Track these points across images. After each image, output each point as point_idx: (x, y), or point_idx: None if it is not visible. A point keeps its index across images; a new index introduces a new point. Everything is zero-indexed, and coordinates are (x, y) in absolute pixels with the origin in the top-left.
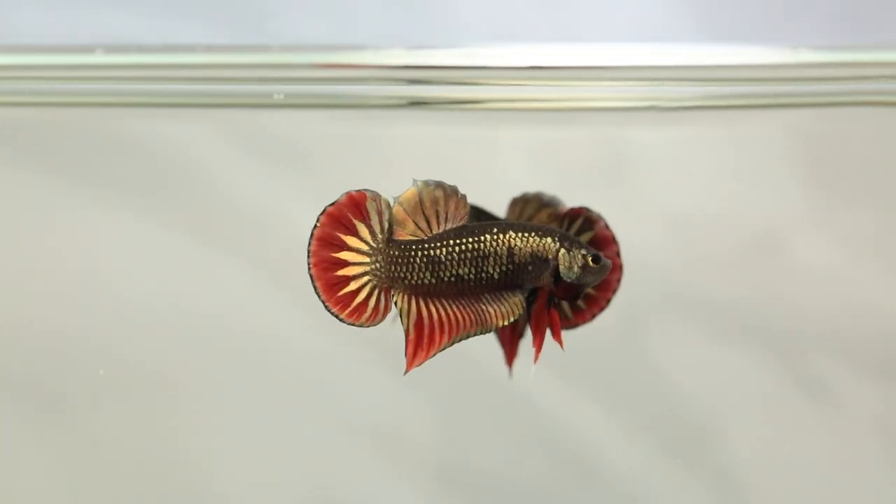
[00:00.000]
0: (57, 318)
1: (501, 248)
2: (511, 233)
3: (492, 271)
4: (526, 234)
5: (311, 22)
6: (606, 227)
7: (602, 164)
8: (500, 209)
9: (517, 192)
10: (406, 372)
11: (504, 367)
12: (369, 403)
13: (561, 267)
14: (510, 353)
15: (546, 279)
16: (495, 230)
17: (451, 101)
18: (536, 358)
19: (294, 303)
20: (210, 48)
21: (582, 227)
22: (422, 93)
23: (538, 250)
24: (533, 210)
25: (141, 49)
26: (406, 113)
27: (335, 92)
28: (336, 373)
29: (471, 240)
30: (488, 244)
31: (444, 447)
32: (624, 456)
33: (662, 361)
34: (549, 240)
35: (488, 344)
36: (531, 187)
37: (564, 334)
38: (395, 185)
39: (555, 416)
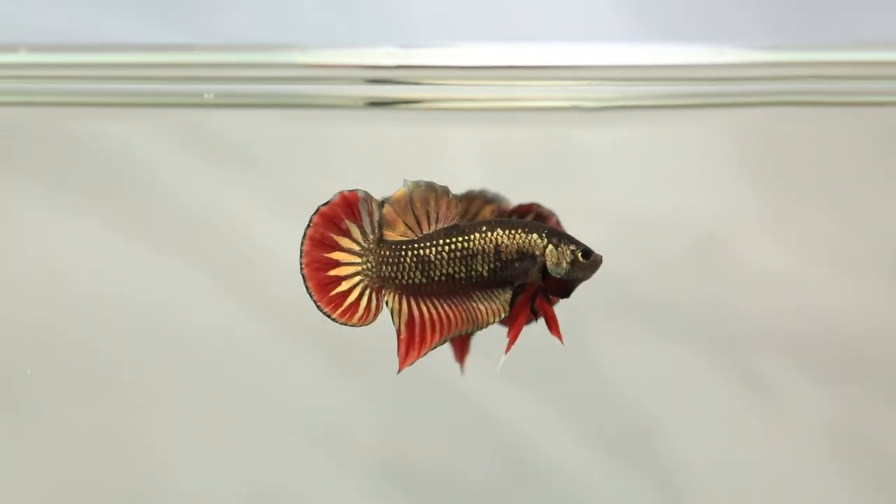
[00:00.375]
0: None
1: (489, 246)
2: (499, 230)
3: (481, 269)
4: (513, 232)
5: (257, 22)
6: (558, 223)
7: (549, 163)
8: None
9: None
10: (399, 371)
11: (449, 365)
12: (314, 402)
13: (549, 263)
14: (461, 349)
15: (534, 275)
16: (483, 228)
17: (400, 101)
18: (508, 349)
19: (238, 303)
20: (160, 47)
21: None
22: (373, 92)
23: (525, 247)
24: (477, 207)
25: (71, 48)
26: (359, 113)
27: (289, 92)
28: (280, 372)
29: (460, 239)
30: (477, 243)
31: (388, 445)
32: (568, 455)
33: (608, 361)
34: (535, 236)
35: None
36: (480, 186)
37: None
38: (348, 185)
39: (499, 415)
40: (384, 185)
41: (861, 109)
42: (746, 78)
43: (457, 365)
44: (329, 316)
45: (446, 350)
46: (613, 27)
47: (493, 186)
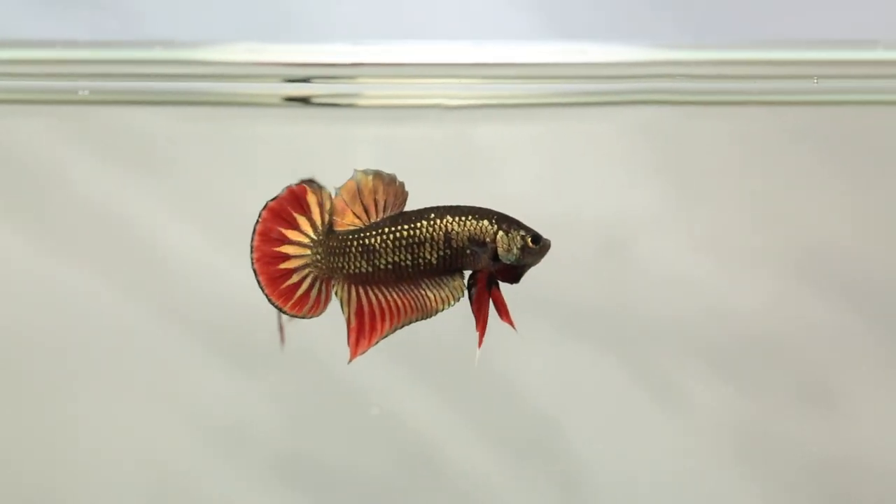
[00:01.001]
0: None
1: (438, 234)
2: (448, 217)
3: (429, 257)
4: (463, 218)
5: (166, 18)
6: None
7: (451, 162)
8: None
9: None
10: (350, 361)
11: (351, 364)
12: (213, 401)
13: (500, 249)
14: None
15: (485, 262)
16: (432, 216)
17: (305, 99)
18: (480, 342)
19: (138, 301)
20: (66, 43)
21: None
22: (281, 90)
23: (476, 233)
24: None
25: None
26: (265, 111)
27: (191, 89)
28: (180, 371)
29: (406, 227)
30: (425, 230)
31: (286, 442)
32: (468, 456)
33: (511, 362)
34: (486, 222)
35: (333, 337)
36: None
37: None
38: (252, 182)
39: (399, 414)
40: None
41: (769, 108)
42: (653, 76)
43: (359, 363)
44: (280, 309)
45: (341, 347)
46: (516, 25)
47: None
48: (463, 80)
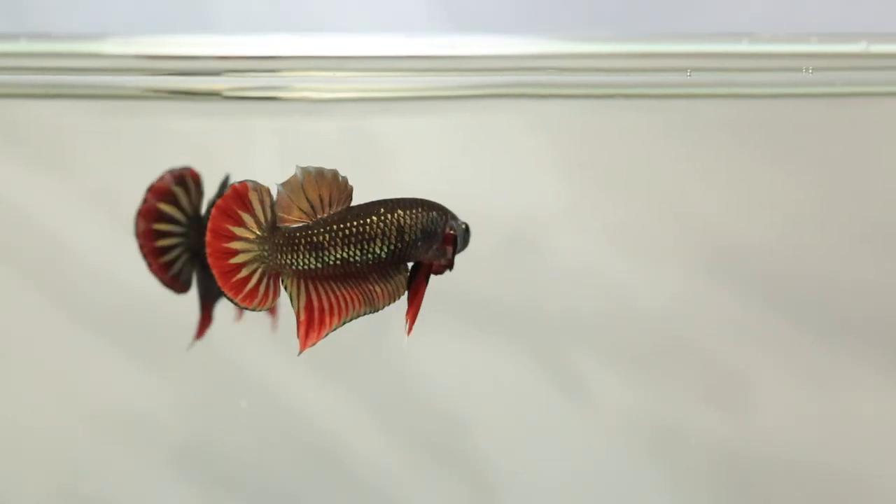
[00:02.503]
0: None
1: (390, 228)
2: (399, 211)
3: (379, 251)
4: (413, 211)
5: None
6: None
7: (354, 155)
8: None
9: (269, 183)
10: (300, 353)
11: (256, 360)
12: (118, 397)
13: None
14: (205, 320)
15: (433, 253)
16: (381, 210)
17: (205, 93)
18: (410, 330)
19: (37, 293)
20: None
21: None
22: (177, 84)
23: (428, 226)
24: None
25: None
26: (162, 105)
27: (88, 83)
28: (84, 366)
29: (355, 223)
30: (375, 225)
31: (190, 438)
32: (375, 452)
33: (419, 357)
34: (435, 213)
35: (240, 335)
36: (284, 179)
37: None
38: (148, 176)
39: (305, 409)
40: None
41: (672, 101)
42: (556, 69)
43: (265, 360)
44: (232, 300)
45: (256, 347)
46: (418, 17)
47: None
48: (365, 73)
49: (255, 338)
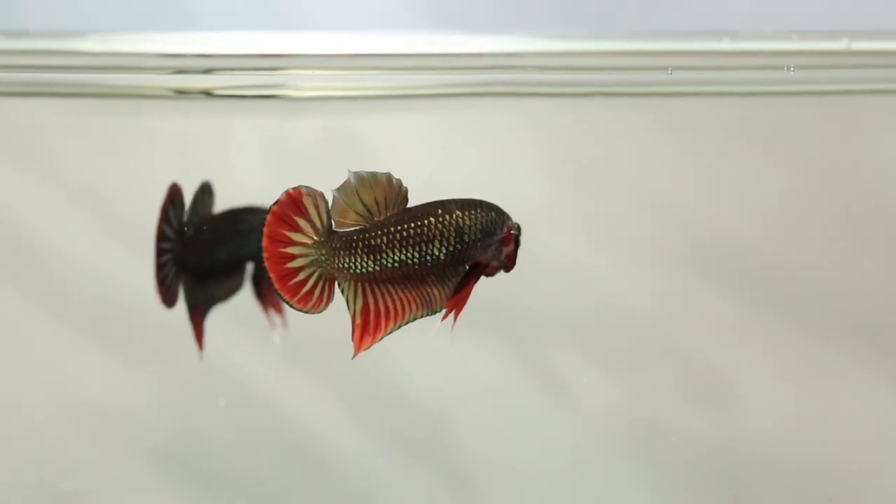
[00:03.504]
0: None
1: (448, 230)
2: (457, 212)
3: (437, 253)
4: (472, 212)
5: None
6: None
7: (337, 153)
8: (238, 199)
9: (251, 182)
10: (354, 356)
11: (238, 360)
12: (99, 395)
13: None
14: (198, 330)
15: (491, 253)
16: (439, 212)
17: (187, 91)
18: (455, 320)
19: (22, 292)
20: None
21: None
22: (159, 82)
23: (487, 226)
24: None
25: None
26: (144, 103)
27: (68, 80)
28: (63, 365)
29: (413, 225)
30: (434, 227)
31: (172, 436)
32: (357, 449)
33: (400, 356)
34: (493, 214)
35: (223, 333)
36: (266, 178)
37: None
38: (137, 174)
39: (285, 408)
40: (174, 175)
41: (653, 100)
42: (539, 67)
43: (246, 360)
44: (288, 303)
45: (238, 346)
46: (400, 15)
47: (280, 177)
48: (348, 71)
49: (239, 336)
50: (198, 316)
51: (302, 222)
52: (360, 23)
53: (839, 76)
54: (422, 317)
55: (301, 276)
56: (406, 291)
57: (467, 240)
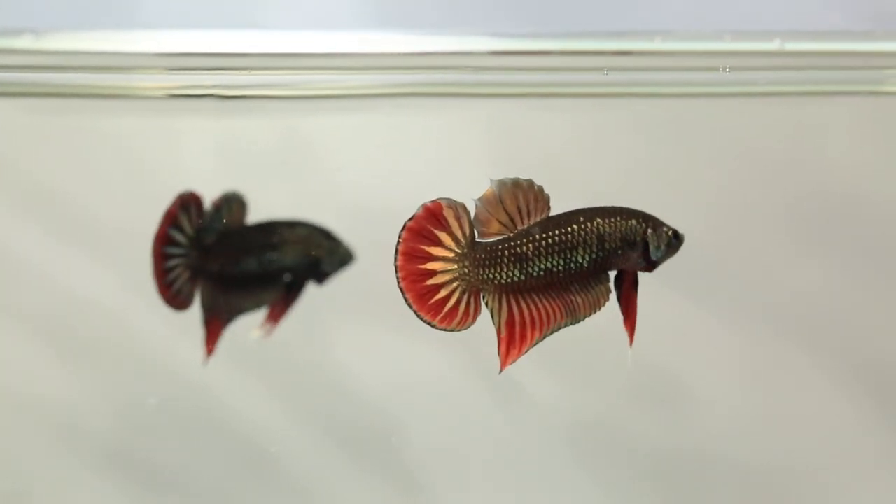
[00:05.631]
0: None
1: (591, 237)
2: (598, 220)
3: (581, 261)
4: (613, 219)
5: None
6: None
7: (284, 154)
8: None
9: (204, 184)
10: (501, 371)
11: (185, 357)
12: (45, 395)
13: (651, 247)
14: (212, 337)
15: (634, 261)
16: (581, 219)
17: (133, 91)
18: (631, 341)
19: None
20: None
21: None
22: (106, 81)
23: (627, 234)
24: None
25: None
26: (91, 103)
27: (12, 80)
28: (11, 363)
29: (558, 232)
30: (577, 234)
31: (111, 437)
32: (298, 447)
33: (347, 358)
34: (634, 221)
35: (169, 333)
36: (218, 179)
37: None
38: (77, 175)
39: (233, 411)
40: (121, 175)
41: (610, 101)
42: (491, 67)
43: (193, 358)
44: (430, 323)
45: (183, 344)
46: (345, 15)
47: (227, 179)
48: (294, 71)
49: (184, 336)
50: (217, 323)
51: (443, 235)
52: (306, 22)
53: (775, 77)
54: (565, 326)
55: (443, 293)
56: (550, 300)
57: (608, 247)
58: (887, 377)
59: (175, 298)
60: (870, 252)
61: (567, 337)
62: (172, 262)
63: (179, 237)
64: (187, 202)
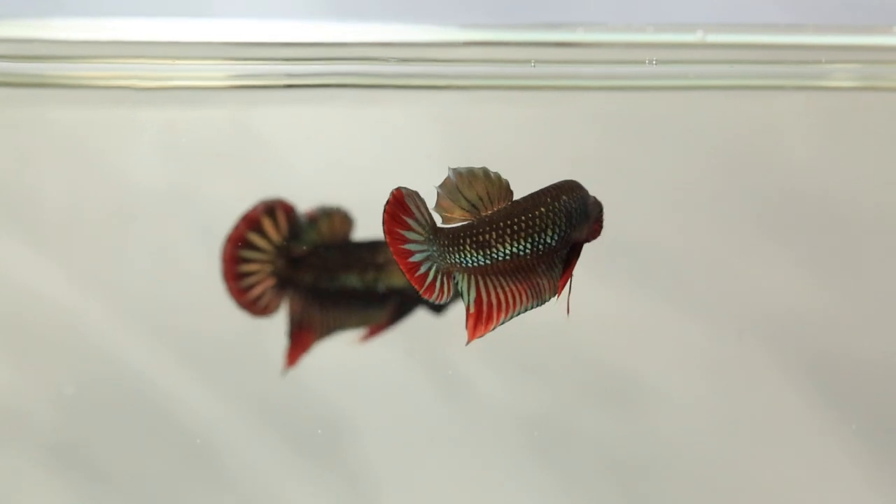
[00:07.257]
0: None
1: (559, 216)
2: (564, 197)
3: (550, 241)
4: (574, 193)
5: None
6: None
7: (232, 144)
8: (137, 190)
9: (147, 176)
10: (467, 343)
11: (132, 353)
12: None
13: (602, 215)
14: (297, 348)
15: (585, 230)
16: (548, 200)
17: (76, 81)
18: (560, 292)
19: None
20: None
21: None
22: (47, 71)
23: (583, 205)
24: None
25: None
26: (32, 93)
27: None
28: None
29: (523, 218)
30: (545, 216)
31: (61, 436)
32: (252, 454)
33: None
34: (583, 192)
35: (118, 331)
36: (161, 171)
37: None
38: (22, 167)
39: (180, 410)
40: (68, 166)
41: (561, 94)
42: (442, 60)
43: (140, 355)
44: (418, 293)
45: (136, 345)
46: (296, 4)
47: (174, 170)
48: (242, 62)
49: (138, 336)
50: (308, 336)
51: (411, 221)
52: (255, 11)
53: (699, 71)
54: (531, 308)
55: (422, 270)
56: (517, 283)
57: (574, 221)
58: (847, 373)
59: (253, 304)
60: (815, 245)
61: (518, 337)
62: (250, 267)
63: (261, 242)
64: (273, 208)
